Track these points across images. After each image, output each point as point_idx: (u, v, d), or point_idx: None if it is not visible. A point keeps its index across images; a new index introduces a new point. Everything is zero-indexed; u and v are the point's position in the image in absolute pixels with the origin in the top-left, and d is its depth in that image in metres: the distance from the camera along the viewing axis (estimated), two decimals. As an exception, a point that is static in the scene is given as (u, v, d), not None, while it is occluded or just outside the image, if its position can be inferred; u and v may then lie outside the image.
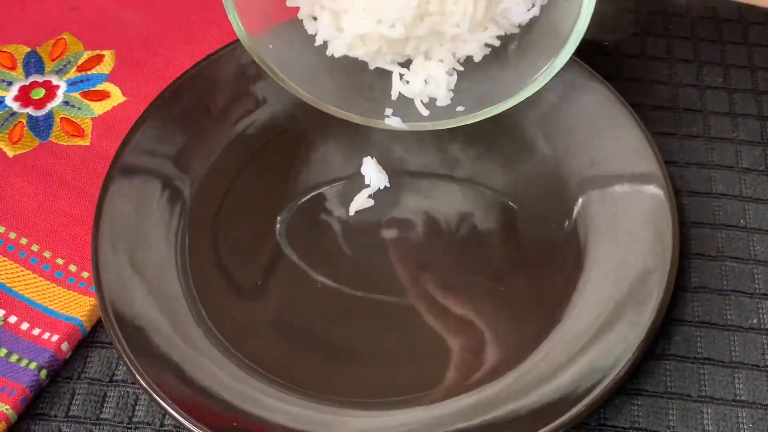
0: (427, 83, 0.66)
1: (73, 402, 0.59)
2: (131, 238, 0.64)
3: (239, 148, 0.70)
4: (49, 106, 0.73)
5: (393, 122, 0.66)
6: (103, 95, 0.74)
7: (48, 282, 0.64)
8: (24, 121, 0.73)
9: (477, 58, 0.67)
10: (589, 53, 0.68)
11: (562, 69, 0.62)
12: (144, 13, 0.80)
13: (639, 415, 0.58)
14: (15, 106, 0.74)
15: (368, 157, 0.68)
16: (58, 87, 0.75)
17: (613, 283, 0.61)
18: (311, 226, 0.67)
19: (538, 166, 0.69)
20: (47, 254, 0.65)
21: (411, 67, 0.67)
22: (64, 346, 0.60)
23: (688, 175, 0.69)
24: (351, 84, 0.68)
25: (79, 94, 0.74)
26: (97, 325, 0.62)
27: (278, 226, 0.66)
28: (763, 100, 0.74)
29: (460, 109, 0.66)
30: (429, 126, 0.67)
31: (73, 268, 0.64)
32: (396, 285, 0.63)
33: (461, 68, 0.67)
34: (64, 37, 0.78)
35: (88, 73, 0.75)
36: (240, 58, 0.71)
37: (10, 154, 0.71)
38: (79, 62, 0.76)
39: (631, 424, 0.58)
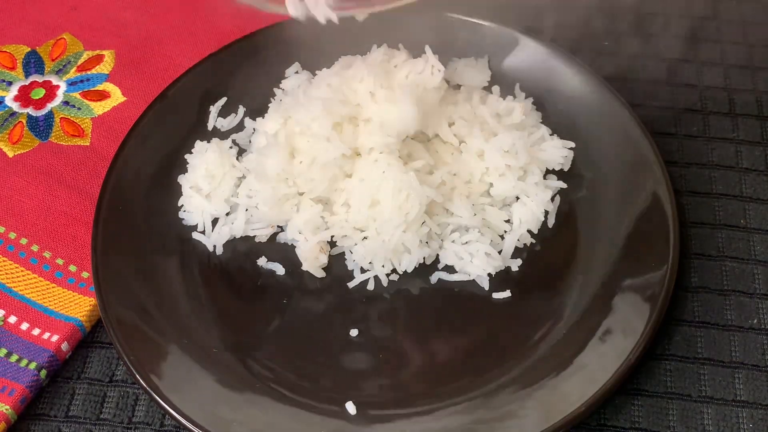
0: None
1: (73, 402, 0.59)
2: (131, 238, 0.64)
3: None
4: (49, 106, 0.73)
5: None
6: (103, 95, 0.74)
7: (48, 282, 0.64)
8: (24, 121, 0.72)
9: None
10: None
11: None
12: (144, 13, 0.79)
13: (639, 415, 0.58)
14: (15, 106, 0.74)
15: None
16: (58, 87, 0.75)
17: (611, 284, 0.61)
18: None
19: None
20: (47, 254, 0.65)
21: None
22: (64, 346, 0.60)
23: (688, 175, 0.69)
24: None
25: (79, 94, 0.74)
26: (97, 325, 0.62)
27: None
28: (763, 100, 0.74)
29: None
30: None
31: (73, 268, 0.64)
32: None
33: None
34: (64, 37, 0.78)
35: (88, 73, 0.75)
36: (238, 60, 0.72)
37: (10, 154, 0.71)
38: (79, 62, 0.76)
39: (631, 424, 0.58)
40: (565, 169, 0.67)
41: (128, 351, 0.57)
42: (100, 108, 0.73)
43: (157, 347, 0.58)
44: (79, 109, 0.73)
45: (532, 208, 0.65)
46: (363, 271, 0.63)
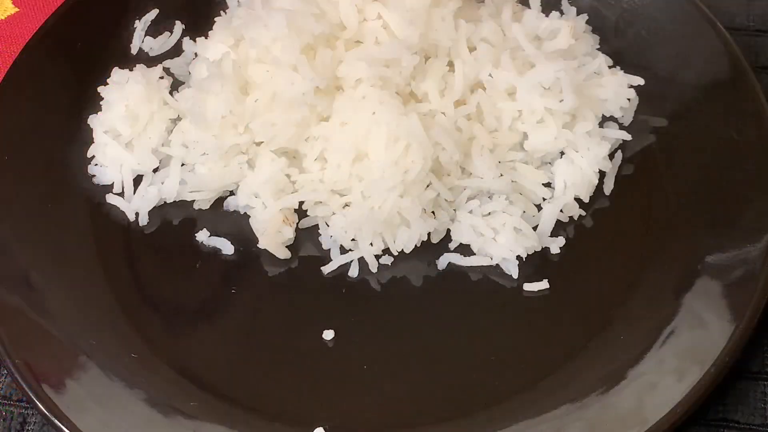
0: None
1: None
2: (22, 198, 0.56)
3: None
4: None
5: None
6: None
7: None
8: None
9: None
10: None
11: None
12: None
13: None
14: None
15: None
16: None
17: (688, 268, 0.52)
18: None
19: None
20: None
21: None
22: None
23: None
24: None
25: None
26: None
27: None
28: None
29: None
30: None
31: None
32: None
33: None
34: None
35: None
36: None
37: None
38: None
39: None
40: (627, 121, 0.60)
41: (14, 353, 0.50)
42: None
43: (56, 349, 0.52)
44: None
45: (583, 167, 0.58)
46: (343, 251, 0.57)
